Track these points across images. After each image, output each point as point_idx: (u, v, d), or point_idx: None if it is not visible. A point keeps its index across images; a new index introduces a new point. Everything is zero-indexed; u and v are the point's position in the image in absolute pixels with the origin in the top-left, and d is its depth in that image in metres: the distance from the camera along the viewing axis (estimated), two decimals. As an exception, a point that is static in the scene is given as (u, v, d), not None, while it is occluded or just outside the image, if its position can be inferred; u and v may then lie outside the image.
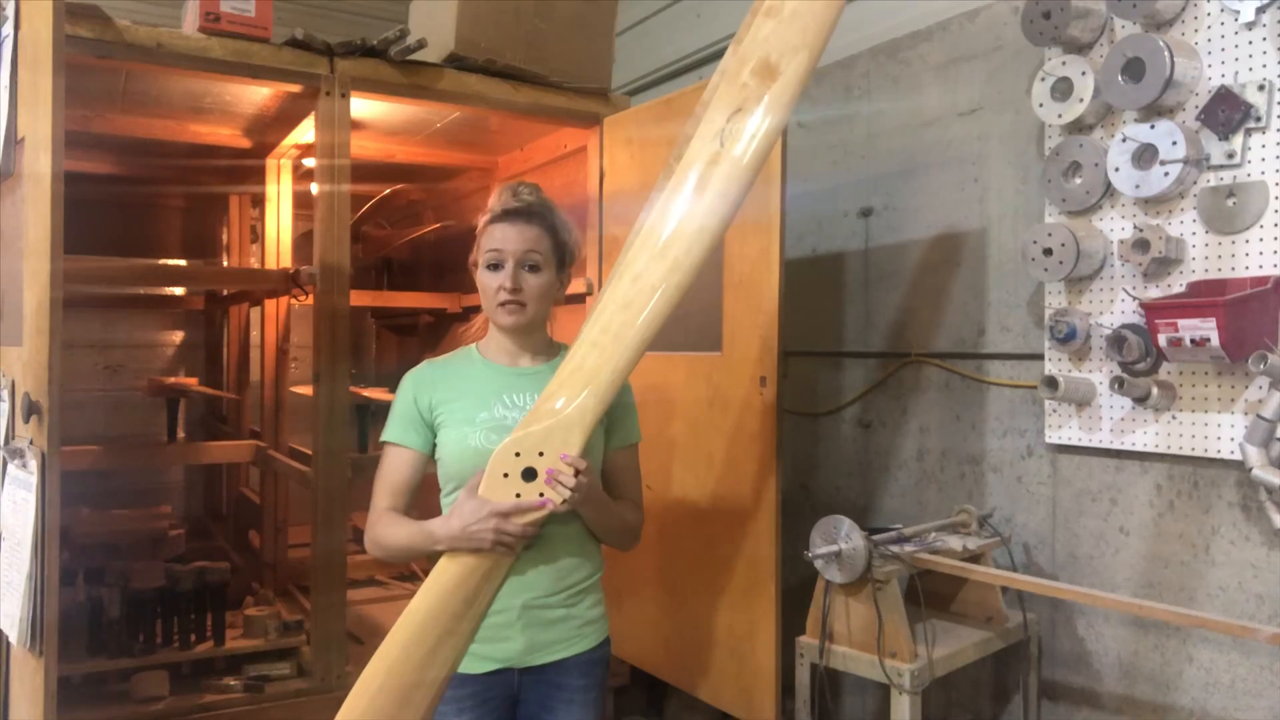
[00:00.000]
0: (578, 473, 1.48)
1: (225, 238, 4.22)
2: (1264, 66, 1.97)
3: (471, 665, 1.60)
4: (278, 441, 3.36)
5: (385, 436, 1.67)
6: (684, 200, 1.47)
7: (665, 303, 1.46)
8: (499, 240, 1.63)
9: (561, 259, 1.70)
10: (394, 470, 1.66)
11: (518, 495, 1.47)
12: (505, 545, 1.47)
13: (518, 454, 1.48)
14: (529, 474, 1.48)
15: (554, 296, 1.71)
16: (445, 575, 1.50)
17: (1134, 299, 2.17)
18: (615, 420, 1.71)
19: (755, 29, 1.48)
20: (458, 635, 1.50)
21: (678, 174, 1.48)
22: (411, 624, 1.49)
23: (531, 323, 1.67)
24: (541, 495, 1.48)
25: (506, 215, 1.65)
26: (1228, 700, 2.09)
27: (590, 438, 1.50)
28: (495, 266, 1.64)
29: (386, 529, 1.61)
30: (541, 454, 1.48)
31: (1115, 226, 2.23)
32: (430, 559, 1.58)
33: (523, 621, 1.61)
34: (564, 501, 1.48)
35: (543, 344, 1.73)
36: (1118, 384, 2.10)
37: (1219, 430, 2.05)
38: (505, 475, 1.48)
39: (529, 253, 1.63)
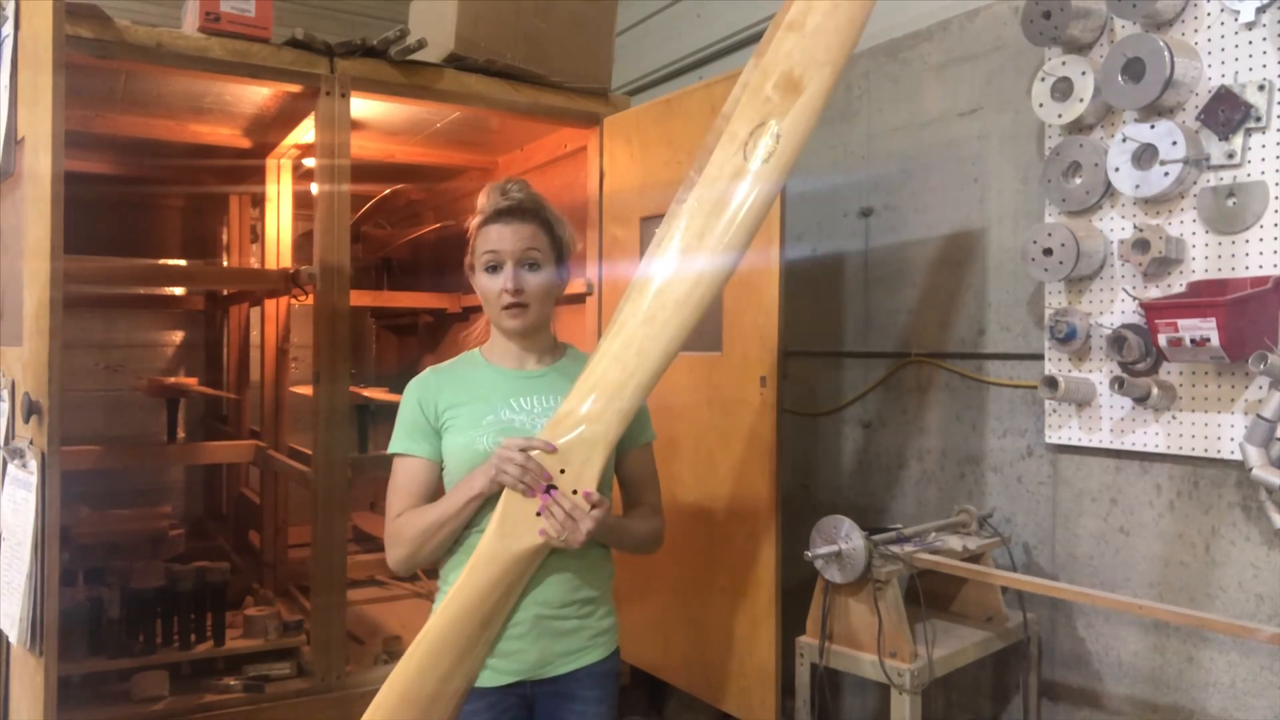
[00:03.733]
0: (593, 506, 1.47)
1: (225, 238, 4.22)
2: (1264, 66, 1.97)
3: (486, 679, 1.58)
4: (278, 441, 3.36)
5: (393, 448, 1.63)
6: (707, 215, 1.45)
7: (689, 317, 1.45)
8: (495, 241, 1.59)
9: (559, 254, 1.66)
10: (408, 479, 1.61)
11: (538, 514, 1.46)
12: (525, 484, 1.45)
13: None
14: (550, 488, 1.47)
15: (555, 294, 1.67)
16: (461, 597, 1.49)
17: (1134, 299, 2.17)
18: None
19: (778, 42, 1.46)
20: (472, 659, 1.52)
21: (700, 187, 1.46)
22: (427, 647, 1.49)
23: (536, 323, 1.63)
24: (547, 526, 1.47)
25: (499, 215, 1.60)
26: (1227, 700, 2.09)
27: (610, 456, 1.49)
28: (493, 269, 1.60)
29: (409, 521, 1.57)
30: (563, 471, 1.47)
31: (1115, 226, 2.23)
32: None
33: (535, 633, 1.57)
34: (580, 533, 1.46)
35: (548, 345, 1.69)
36: (1118, 384, 2.09)
37: (1219, 430, 2.05)
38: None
39: (527, 251, 1.59)
